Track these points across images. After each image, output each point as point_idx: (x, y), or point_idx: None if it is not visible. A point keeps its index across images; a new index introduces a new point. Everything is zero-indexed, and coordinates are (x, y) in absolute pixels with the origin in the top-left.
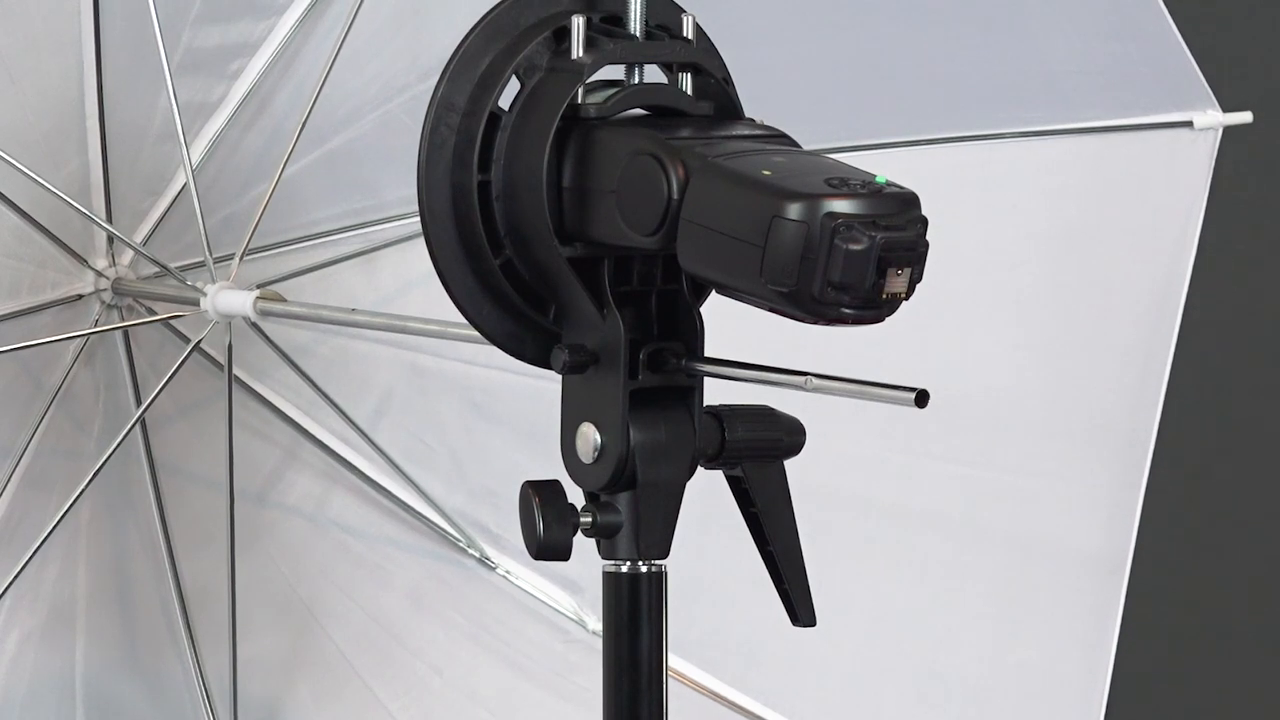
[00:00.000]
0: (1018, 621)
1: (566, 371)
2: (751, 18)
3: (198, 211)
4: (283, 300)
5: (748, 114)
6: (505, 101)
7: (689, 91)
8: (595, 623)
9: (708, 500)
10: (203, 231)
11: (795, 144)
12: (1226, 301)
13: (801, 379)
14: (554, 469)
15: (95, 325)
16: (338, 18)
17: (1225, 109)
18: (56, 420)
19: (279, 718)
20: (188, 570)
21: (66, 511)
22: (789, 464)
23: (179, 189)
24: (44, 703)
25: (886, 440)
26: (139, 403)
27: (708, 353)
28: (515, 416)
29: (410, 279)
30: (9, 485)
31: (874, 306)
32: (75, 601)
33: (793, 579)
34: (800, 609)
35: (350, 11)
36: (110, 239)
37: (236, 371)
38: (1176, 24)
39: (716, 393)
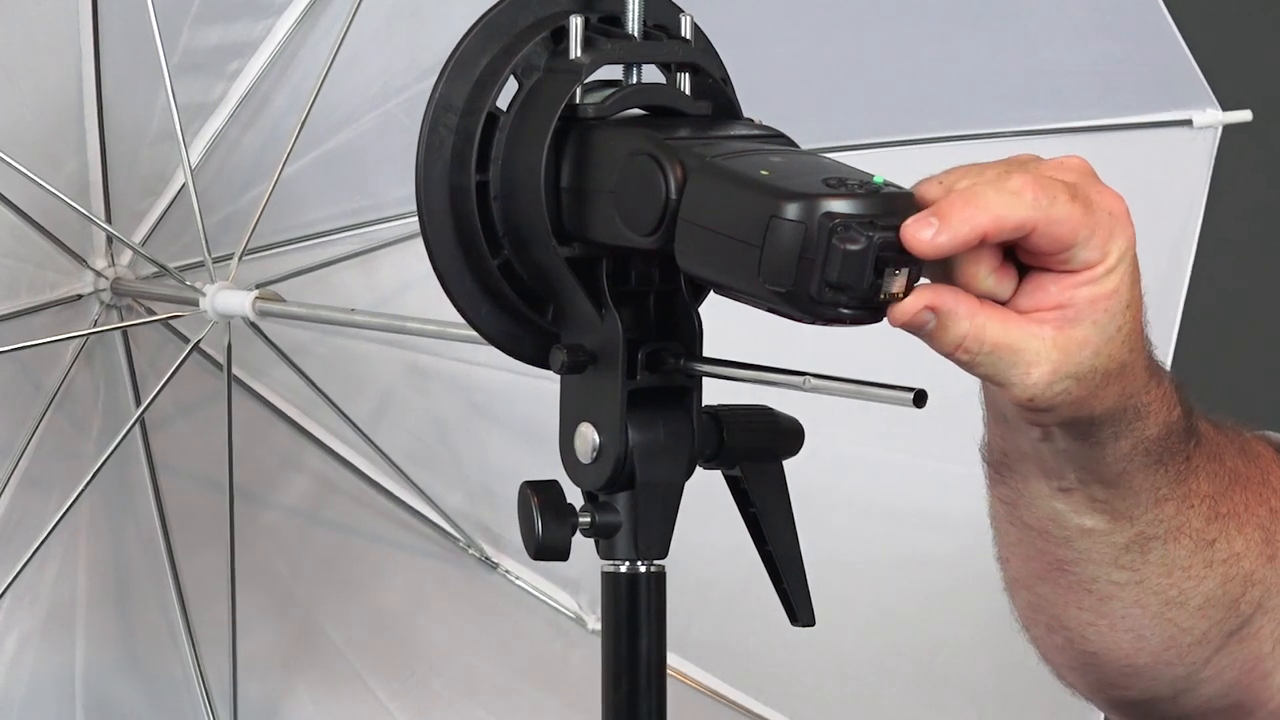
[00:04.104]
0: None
1: (565, 371)
2: (750, 18)
3: (196, 211)
4: (281, 300)
5: (746, 114)
6: (503, 102)
7: (687, 91)
8: (595, 623)
9: (707, 500)
10: (202, 231)
11: (793, 144)
12: (1226, 301)
13: (800, 379)
14: (554, 469)
15: (94, 325)
16: (336, 18)
17: (1225, 108)
18: (56, 420)
19: (279, 718)
20: (187, 570)
21: (66, 511)
22: (789, 464)
23: (178, 189)
24: (43, 703)
25: (886, 440)
26: (138, 403)
27: (706, 353)
28: (515, 416)
29: (409, 279)
30: (8, 485)
31: (872, 307)
32: (75, 601)
33: (792, 579)
34: (799, 609)
35: (349, 11)
36: (109, 239)
37: (236, 371)
38: (1176, 23)
39: (715, 393)
